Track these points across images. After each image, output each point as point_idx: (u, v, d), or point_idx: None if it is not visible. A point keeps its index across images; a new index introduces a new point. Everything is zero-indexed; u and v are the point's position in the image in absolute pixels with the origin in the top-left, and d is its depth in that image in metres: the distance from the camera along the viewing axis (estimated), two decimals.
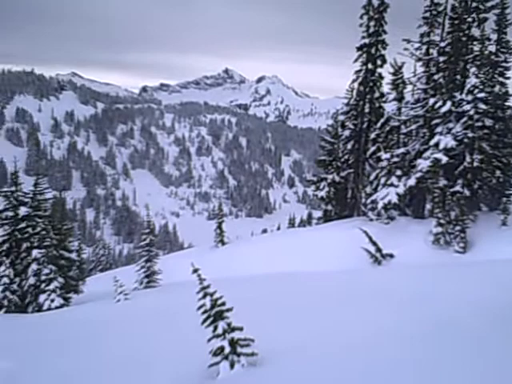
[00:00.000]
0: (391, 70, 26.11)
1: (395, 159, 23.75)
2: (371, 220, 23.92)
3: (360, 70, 28.52)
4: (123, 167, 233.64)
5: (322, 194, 30.01)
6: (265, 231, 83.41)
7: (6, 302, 20.46)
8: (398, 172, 23.30)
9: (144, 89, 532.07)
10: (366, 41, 27.74)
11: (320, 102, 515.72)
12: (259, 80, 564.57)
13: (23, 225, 22.05)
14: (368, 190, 25.90)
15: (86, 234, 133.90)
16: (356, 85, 29.00)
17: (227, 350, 6.58)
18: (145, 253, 25.67)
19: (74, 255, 25.19)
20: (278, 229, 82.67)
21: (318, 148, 32.82)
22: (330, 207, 30.57)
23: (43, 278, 20.67)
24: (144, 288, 24.29)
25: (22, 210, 22.21)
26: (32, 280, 20.70)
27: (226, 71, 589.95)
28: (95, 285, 29.01)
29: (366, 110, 28.84)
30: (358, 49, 28.13)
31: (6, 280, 20.64)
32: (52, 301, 20.15)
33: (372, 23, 27.45)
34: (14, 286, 20.87)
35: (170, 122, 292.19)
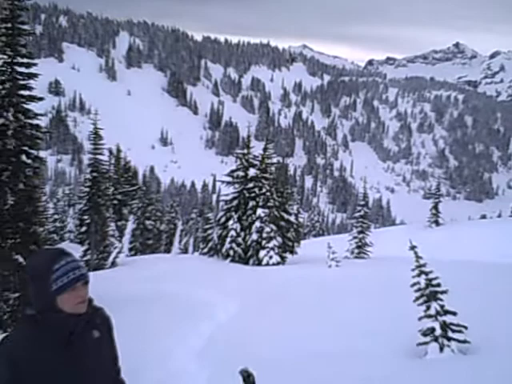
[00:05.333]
0: None
1: None
2: None
3: None
4: (343, 139, 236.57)
5: None
6: (483, 217, 76.94)
7: (231, 253, 22.90)
8: None
9: (370, 62, 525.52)
10: None
11: None
12: (493, 55, 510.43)
13: (251, 185, 24.15)
14: None
15: (304, 199, 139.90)
16: None
17: (438, 332, 6.47)
18: (358, 224, 26.05)
19: (292, 218, 26.67)
20: (499, 216, 75.59)
21: None
22: None
23: (264, 235, 22.48)
24: (354, 258, 24.74)
25: (251, 172, 24.30)
26: (255, 236, 22.68)
27: (457, 45, 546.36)
28: (308, 248, 30.36)
29: None
30: None
31: (233, 233, 23.05)
32: (270, 257, 21.86)
33: None
34: (239, 240, 23.17)
35: (394, 96, 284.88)
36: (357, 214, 26.61)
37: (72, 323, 2.21)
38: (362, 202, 27.33)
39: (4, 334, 2.31)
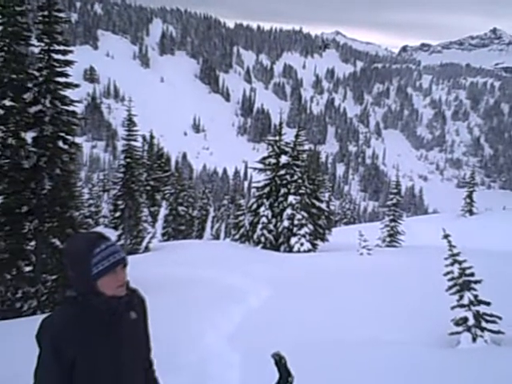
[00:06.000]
0: None
1: None
2: None
3: None
4: (376, 126, 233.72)
5: None
6: None
7: (263, 239, 23.03)
8: None
9: (404, 48, 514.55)
10: None
11: None
12: None
13: (283, 172, 24.16)
14: None
15: (335, 187, 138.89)
16: None
17: (471, 322, 6.39)
18: (390, 212, 25.84)
19: (323, 205, 26.63)
20: None
21: None
22: None
23: (296, 222, 22.52)
24: (386, 246, 24.57)
25: (283, 159, 24.31)
26: (286, 223, 22.74)
27: (494, 31, 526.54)
28: (339, 236, 30.30)
29: None
30: None
31: (264, 220, 23.15)
32: (301, 244, 21.90)
33: None
34: (271, 226, 23.27)
35: (428, 83, 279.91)
36: (389, 203, 26.38)
37: (113, 305, 2.25)
38: (395, 190, 27.06)
39: (44, 315, 2.37)
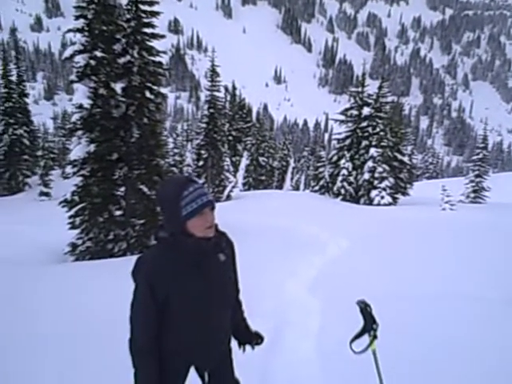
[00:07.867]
0: None
1: None
2: None
3: None
4: (463, 78, 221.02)
5: None
6: None
7: (342, 191, 22.91)
8: None
9: None
10: None
11: None
12: None
13: (364, 124, 23.67)
14: None
15: (418, 140, 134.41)
16: None
17: None
18: (475, 167, 24.88)
19: (406, 159, 25.95)
20: None
21: None
22: None
23: (377, 175, 22.15)
24: (470, 202, 23.77)
25: (365, 110, 23.78)
26: (366, 176, 22.42)
27: None
28: (421, 191, 29.54)
29: None
30: None
31: (345, 172, 22.96)
32: (382, 198, 21.59)
33: None
34: (351, 179, 23.06)
35: None
36: (475, 157, 25.36)
37: (202, 246, 2.37)
38: (481, 145, 25.89)
39: (133, 256, 2.54)
